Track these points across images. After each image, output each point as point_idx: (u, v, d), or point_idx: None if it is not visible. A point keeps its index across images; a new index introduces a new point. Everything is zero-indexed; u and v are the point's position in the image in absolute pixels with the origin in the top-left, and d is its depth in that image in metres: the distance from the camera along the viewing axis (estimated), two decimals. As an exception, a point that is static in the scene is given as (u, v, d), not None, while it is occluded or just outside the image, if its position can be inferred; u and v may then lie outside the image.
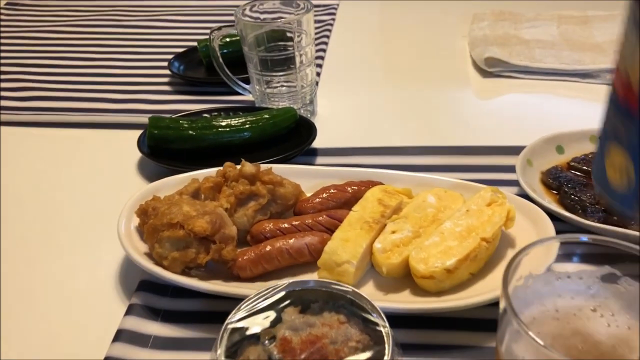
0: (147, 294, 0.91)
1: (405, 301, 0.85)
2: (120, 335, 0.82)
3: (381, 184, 1.02)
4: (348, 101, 1.46)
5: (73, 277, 0.98)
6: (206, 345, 0.77)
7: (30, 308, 0.92)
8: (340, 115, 1.40)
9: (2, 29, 1.89)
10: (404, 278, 0.88)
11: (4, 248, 1.04)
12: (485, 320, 0.83)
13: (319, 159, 1.23)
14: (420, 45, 1.72)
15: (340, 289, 0.69)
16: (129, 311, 0.88)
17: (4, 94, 1.53)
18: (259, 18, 1.33)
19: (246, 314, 0.67)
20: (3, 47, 1.77)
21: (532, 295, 0.62)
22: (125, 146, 1.27)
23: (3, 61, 1.69)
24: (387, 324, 0.64)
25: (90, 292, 0.94)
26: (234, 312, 0.67)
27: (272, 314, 0.67)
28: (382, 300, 0.84)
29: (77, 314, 0.91)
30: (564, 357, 0.52)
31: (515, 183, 1.04)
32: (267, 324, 0.66)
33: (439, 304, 0.82)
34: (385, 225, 0.91)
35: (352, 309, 0.67)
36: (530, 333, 0.53)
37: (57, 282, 0.97)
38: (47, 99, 1.50)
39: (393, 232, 0.90)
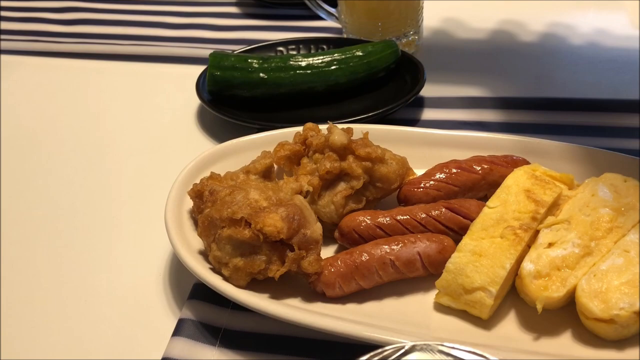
0: (203, 304, 0.69)
1: (566, 355, 0.58)
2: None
3: (525, 161, 0.73)
4: (462, 31, 1.14)
5: (105, 273, 0.76)
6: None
7: (48, 315, 0.72)
8: (451, 50, 1.09)
9: None
10: (563, 311, 0.61)
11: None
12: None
13: (427, 112, 0.94)
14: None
15: None
16: (179, 329, 0.66)
17: (45, 15, 1.30)
18: None
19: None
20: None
21: None
22: (181, 89, 1.03)
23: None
24: None
25: (129, 294, 0.73)
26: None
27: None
28: (527, 353, 0.58)
29: (110, 326, 0.70)
30: None
31: None
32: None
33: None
34: (538, 233, 0.63)
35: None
36: None
37: (86, 277, 0.76)
38: (94, 22, 1.27)
39: (550, 244, 0.62)
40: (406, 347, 0.48)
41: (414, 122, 0.92)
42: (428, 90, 0.94)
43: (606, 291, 0.57)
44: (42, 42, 1.21)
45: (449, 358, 0.48)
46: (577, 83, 0.97)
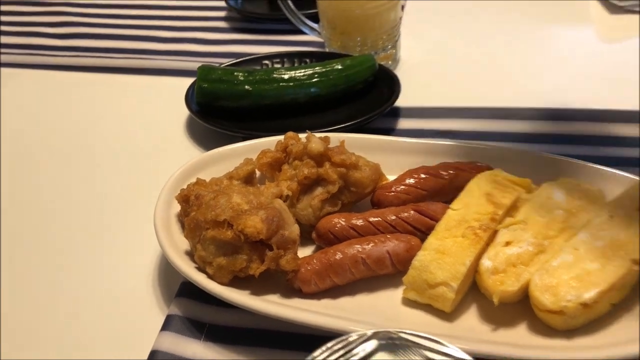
0: (190, 301, 0.74)
1: (522, 344, 0.63)
2: (155, 360, 0.66)
3: (489, 167, 0.78)
4: (438, 45, 1.20)
5: (99, 272, 0.81)
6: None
7: (45, 315, 0.77)
8: (427, 64, 1.15)
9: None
10: (519, 304, 0.66)
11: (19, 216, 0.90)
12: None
13: (402, 122, 1.00)
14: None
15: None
16: (167, 325, 0.71)
17: (42, 29, 1.36)
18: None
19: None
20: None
21: None
22: (171, 100, 1.09)
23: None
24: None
25: (121, 292, 0.78)
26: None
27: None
28: (487, 342, 0.63)
29: (103, 322, 0.75)
30: None
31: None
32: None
33: (573, 354, 0.60)
34: (497, 232, 0.69)
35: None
36: None
37: (81, 277, 0.81)
38: (89, 36, 1.33)
39: (507, 243, 0.67)
40: (368, 334, 0.53)
41: (389, 131, 0.97)
42: (404, 101, 1.00)
43: (556, 285, 0.63)
44: (39, 55, 1.26)
45: (407, 344, 0.53)
46: (544, 94, 1.03)
